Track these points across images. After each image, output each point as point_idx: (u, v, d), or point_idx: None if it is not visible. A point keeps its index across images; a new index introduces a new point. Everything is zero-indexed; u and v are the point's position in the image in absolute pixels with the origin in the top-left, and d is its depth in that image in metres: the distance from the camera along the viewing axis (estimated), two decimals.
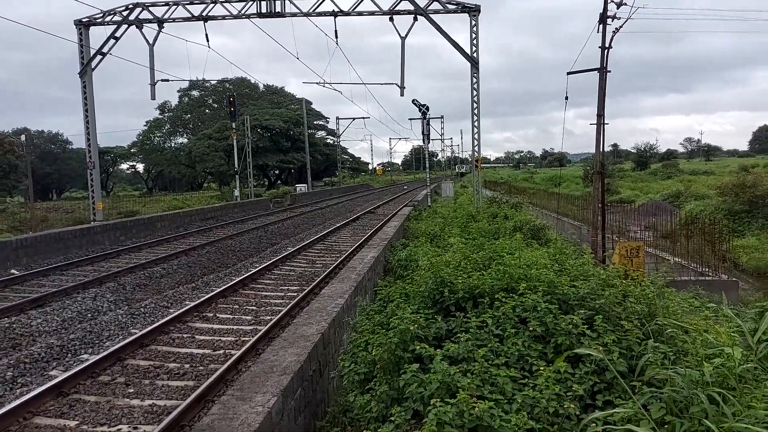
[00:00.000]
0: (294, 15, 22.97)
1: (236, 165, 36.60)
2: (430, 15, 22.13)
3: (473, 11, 22.15)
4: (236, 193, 36.22)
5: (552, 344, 4.08)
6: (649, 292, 4.60)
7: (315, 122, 77.62)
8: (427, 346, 4.27)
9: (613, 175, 60.82)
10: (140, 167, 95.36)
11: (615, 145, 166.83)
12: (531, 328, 4.23)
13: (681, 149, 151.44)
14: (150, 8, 23.96)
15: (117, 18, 24.23)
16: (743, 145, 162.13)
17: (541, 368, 3.78)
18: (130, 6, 24.09)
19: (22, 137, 41.65)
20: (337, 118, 64.23)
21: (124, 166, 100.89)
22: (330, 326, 6.97)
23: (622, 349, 3.96)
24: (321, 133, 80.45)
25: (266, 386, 4.99)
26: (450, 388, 3.80)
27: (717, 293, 12.52)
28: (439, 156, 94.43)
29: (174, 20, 24.06)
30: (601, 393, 3.71)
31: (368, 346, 5.03)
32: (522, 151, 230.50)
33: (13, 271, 13.91)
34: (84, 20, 24.33)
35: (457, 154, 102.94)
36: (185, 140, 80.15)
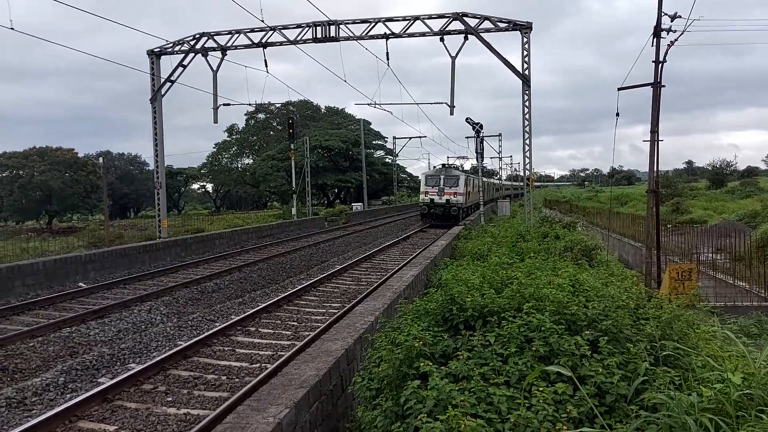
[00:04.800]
0: (347, 39, 23.66)
1: (293, 184, 37.74)
2: (481, 34, 22.18)
3: (525, 29, 22.00)
4: (293, 211, 37.33)
5: (558, 366, 4.00)
6: (666, 315, 4.40)
7: (373, 142, 78.78)
8: (430, 363, 4.30)
9: (683, 194, 57.77)
10: (209, 187, 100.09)
11: (689, 162, 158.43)
12: (534, 348, 4.16)
13: (763, 166, 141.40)
14: (215, 37, 25.45)
15: (185, 47, 25.87)
16: None
17: (540, 388, 3.72)
18: (197, 36, 25.69)
19: (100, 159, 44.96)
20: (394, 138, 64.86)
21: (194, 186, 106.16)
22: (356, 342, 7.07)
23: (627, 372, 3.83)
24: (379, 153, 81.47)
25: (281, 398, 5.14)
26: (446, 405, 3.81)
27: None
28: (500, 174, 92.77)
29: (236, 47, 25.40)
30: (601, 416, 3.60)
31: (381, 362, 5.10)
32: (587, 169, 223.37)
33: (80, 284, 14.99)
34: (156, 50, 26.15)
35: (518, 172, 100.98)
36: (251, 161, 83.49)
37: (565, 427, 3.39)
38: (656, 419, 3.16)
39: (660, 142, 13.98)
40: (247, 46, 25.21)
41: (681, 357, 3.95)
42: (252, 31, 24.82)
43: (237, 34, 25.05)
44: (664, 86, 14.30)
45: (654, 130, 14.08)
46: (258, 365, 8.47)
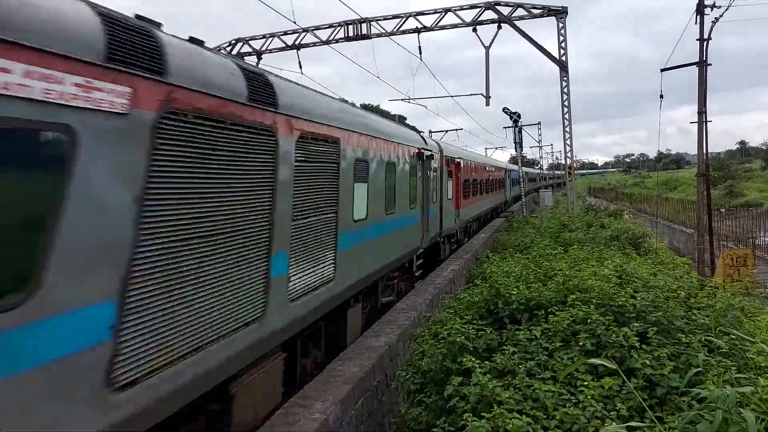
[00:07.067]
0: (379, 35, 23.67)
1: None
2: (515, 22, 21.76)
3: (560, 14, 21.45)
4: None
5: (602, 358, 3.89)
6: (719, 303, 4.21)
7: None
8: (473, 359, 4.26)
9: (737, 176, 55.20)
10: None
11: (743, 143, 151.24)
12: (581, 342, 4.06)
13: None
14: (249, 42, 25.96)
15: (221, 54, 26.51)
16: None
17: (586, 382, 3.64)
18: (233, 42, 26.25)
19: None
20: (430, 132, 64.51)
21: None
22: (399, 339, 7.10)
23: (679, 364, 3.69)
24: None
25: (327, 394, 5.22)
26: (490, 402, 3.77)
27: None
28: (541, 163, 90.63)
29: (270, 51, 25.81)
30: (651, 409, 3.48)
31: (424, 357, 5.10)
32: (633, 154, 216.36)
33: None
34: None
35: (559, 161, 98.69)
36: None
37: (614, 423, 3.30)
38: (710, 412, 3.04)
39: (708, 122, 13.41)
40: (281, 49, 25.58)
41: (736, 347, 3.78)
42: (285, 33, 25.16)
43: (271, 38, 25.44)
44: (710, 65, 13.69)
45: (701, 111, 13.51)
46: None
